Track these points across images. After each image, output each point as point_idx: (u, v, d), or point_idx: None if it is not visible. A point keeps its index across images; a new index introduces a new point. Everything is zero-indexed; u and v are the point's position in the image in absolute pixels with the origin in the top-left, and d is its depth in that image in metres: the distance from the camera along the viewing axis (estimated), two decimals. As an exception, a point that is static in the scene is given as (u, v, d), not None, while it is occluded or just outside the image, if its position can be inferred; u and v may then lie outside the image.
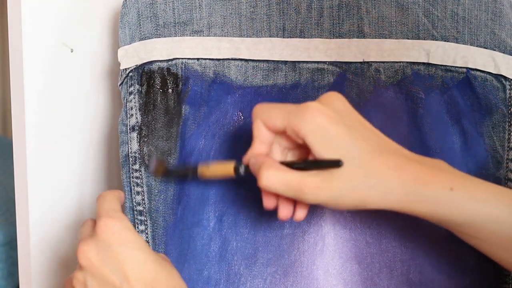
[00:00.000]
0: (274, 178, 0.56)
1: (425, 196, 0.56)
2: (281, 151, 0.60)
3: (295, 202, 0.60)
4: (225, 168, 0.61)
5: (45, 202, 0.70)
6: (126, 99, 0.68)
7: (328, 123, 0.56)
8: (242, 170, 0.60)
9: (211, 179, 0.66)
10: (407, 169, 0.56)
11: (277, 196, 0.59)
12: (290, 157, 0.60)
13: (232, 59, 0.69)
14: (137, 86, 0.68)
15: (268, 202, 0.60)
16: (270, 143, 0.59)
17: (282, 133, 0.58)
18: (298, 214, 0.60)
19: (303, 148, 0.59)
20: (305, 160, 0.57)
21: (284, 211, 0.59)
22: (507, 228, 0.56)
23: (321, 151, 0.55)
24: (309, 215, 0.67)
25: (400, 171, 0.56)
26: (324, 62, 0.69)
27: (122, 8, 0.69)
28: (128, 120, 0.68)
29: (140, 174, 0.67)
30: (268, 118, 0.58)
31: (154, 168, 0.67)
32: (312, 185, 0.55)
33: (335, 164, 0.55)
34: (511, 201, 0.56)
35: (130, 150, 0.68)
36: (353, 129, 0.56)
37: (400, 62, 0.69)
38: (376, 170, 0.56)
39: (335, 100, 0.58)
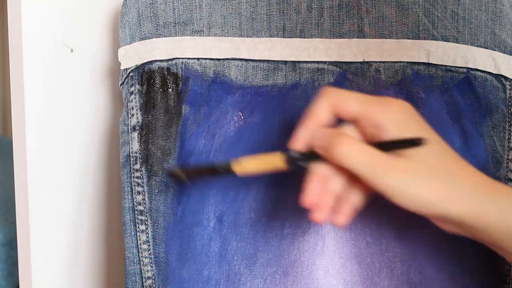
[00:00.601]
0: (354, 148, 0.53)
1: (496, 204, 0.54)
2: None
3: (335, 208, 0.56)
4: (269, 161, 0.57)
5: (45, 202, 0.70)
6: (127, 99, 0.68)
7: (409, 117, 0.55)
8: (295, 155, 0.55)
9: (250, 175, 0.60)
10: (481, 178, 0.55)
11: (320, 196, 0.55)
12: None
13: (232, 59, 0.69)
14: (137, 86, 0.68)
15: (310, 199, 0.55)
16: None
17: (350, 118, 0.55)
18: (339, 218, 0.56)
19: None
20: (381, 141, 0.54)
21: (321, 214, 0.55)
22: None
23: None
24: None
25: (475, 177, 0.55)
26: (324, 62, 0.69)
27: (122, 8, 0.69)
28: (129, 120, 0.68)
29: (141, 174, 0.67)
30: (341, 101, 0.55)
31: (179, 176, 0.64)
32: (388, 162, 0.52)
33: (417, 142, 0.52)
34: None
35: (131, 150, 0.68)
36: (430, 131, 0.56)
37: (400, 62, 0.69)
38: (455, 170, 0.54)
39: (410, 106, 0.57)
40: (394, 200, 0.53)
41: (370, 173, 0.53)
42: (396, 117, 0.54)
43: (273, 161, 0.56)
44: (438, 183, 0.53)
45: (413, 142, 0.52)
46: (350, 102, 0.55)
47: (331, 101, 0.56)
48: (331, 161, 0.54)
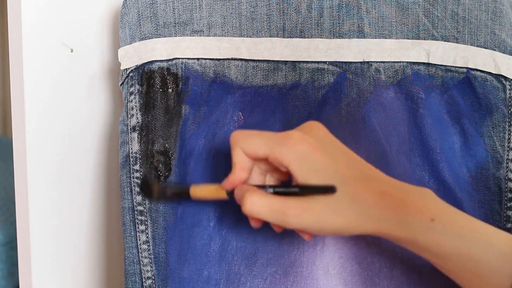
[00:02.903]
0: (258, 202, 0.56)
1: (406, 224, 0.56)
2: (260, 173, 0.61)
3: None
4: (217, 191, 0.61)
5: (45, 202, 0.70)
6: (127, 99, 0.68)
7: (311, 151, 0.56)
8: (229, 192, 0.61)
9: (203, 200, 0.65)
10: (391, 196, 0.57)
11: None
12: (268, 178, 0.61)
13: (232, 59, 0.69)
14: (137, 86, 0.68)
15: (255, 222, 0.61)
16: (250, 169, 0.60)
17: (262, 159, 0.59)
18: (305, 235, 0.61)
19: (282, 171, 0.60)
20: (299, 185, 0.57)
21: (277, 226, 0.61)
22: (481, 267, 0.56)
23: (306, 178, 0.56)
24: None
25: (384, 197, 0.56)
26: (324, 62, 0.69)
27: (122, 8, 0.69)
28: (129, 120, 0.68)
29: (141, 174, 0.67)
30: (249, 146, 0.58)
31: (148, 191, 0.67)
32: (296, 208, 0.55)
33: (330, 190, 0.55)
34: (489, 241, 0.56)
35: (130, 150, 0.68)
36: (335, 157, 0.57)
37: (400, 62, 0.69)
38: (360, 195, 0.56)
39: (316, 129, 0.59)
40: (312, 233, 0.58)
41: (280, 220, 0.56)
42: (297, 156, 0.56)
43: (220, 192, 0.61)
44: (345, 214, 0.56)
45: (326, 190, 0.56)
46: (255, 146, 0.58)
47: (240, 148, 0.58)
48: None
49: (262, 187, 0.58)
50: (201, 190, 0.62)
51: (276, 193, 0.58)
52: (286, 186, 0.58)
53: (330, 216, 0.56)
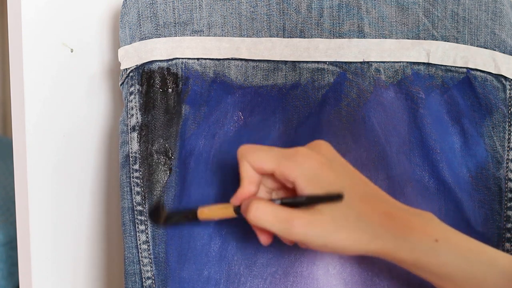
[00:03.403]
0: (264, 210, 0.56)
1: (410, 244, 0.56)
2: (266, 192, 0.61)
3: None
4: (225, 210, 0.61)
5: (45, 202, 0.70)
6: (127, 99, 0.68)
7: (318, 167, 0.56)
8: (238, 209, 0.60)
9: (210, 220, 0.65)
10: (396, 216, 0.57)
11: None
12: (275, 196, 0.61)
13: (232, 59, 0.69)
14: (137, 86, 0.68)
15: (264, 238, 0.60)
16: (259, 183, 0.59)
17: (268, 175, 0.59)
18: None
19: (288, 188, 0.60)
20: (306, 195, 0.57)
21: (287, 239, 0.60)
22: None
23: (311, 193, 0.56)
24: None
25: (389, 217, 0.57)
26: (324, 62, 0.69)
27: (122, 8, 0.69)
28: (129, 120, 0.68)
29: (140, 174, 0.67)
30: (256, 160, 0.58)
31: (156, 217, 0.67)
32: (302, 219, 0.55)
33: (337, 198, 0.55)
34: (493, 262, 0.57)
35: (130, 150, 0.68)
36: (342, 175, 0.58)
37: (400, 62, 0.69)
38: (366, 214, 0.56)
39: (324, 147, 0.59)
40: (313, 248, 0.57)
41: (284, 230, 0.56)
42: (304, 171, 0.56)
43: (227, 211, 0.60)
44: (351, 230, 0.56)
45: (334, 198, 0.55)
46: (262, 161, 0.58)
47: (248, 162, 0.58)
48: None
49: (270, 200, 0.58)
50: (209, 211, 0.62)
51: (283, 205, 0.57)
52: (293, 197, 0.58)
53: (335, 232, 0.56)
